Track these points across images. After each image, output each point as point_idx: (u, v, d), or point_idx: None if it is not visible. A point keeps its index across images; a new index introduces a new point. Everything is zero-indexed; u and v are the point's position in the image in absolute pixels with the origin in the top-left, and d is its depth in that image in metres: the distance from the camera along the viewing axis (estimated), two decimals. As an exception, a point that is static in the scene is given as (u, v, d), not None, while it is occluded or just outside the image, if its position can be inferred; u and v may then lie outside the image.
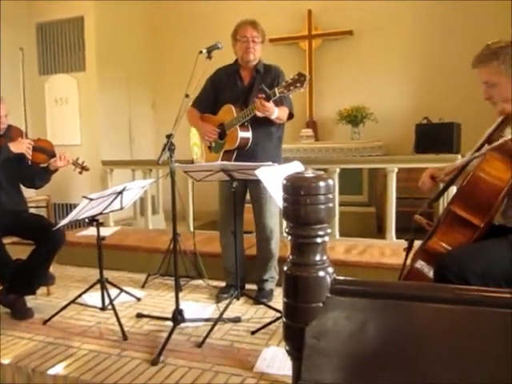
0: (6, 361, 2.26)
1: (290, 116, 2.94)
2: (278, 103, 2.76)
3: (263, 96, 2.64)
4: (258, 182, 2.40)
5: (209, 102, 3.03)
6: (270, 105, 2.66)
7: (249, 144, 2.85)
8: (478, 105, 3.75)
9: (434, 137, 4.62)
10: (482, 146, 1.83)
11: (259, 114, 2.67)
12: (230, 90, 2.95)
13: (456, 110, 4.84)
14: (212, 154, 3.01)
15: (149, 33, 6.36)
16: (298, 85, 2.57)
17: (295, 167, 2.37)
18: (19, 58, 5.53)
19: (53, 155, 3.03)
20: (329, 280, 0.83)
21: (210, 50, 2.65)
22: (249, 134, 2.84)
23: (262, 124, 2.80)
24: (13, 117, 3.12)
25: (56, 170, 3.03)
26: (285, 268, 0.86)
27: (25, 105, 3.13)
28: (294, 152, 5.11)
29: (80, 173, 3.14)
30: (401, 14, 5.33)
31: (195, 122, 3.06)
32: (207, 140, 3.00)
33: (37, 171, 3.04)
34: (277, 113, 2.73)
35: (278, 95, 2.63)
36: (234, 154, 2.88)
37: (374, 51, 5.49)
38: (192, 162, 3.23)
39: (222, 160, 2.85)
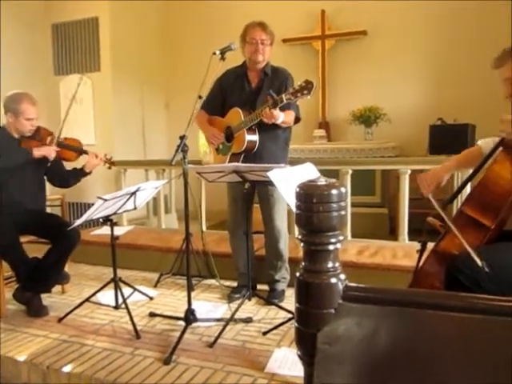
0: (21, 358, 2.30)
1: (297, 120, 2.95)
2: (285, 107, 2.77)
3: (271, 102, 2.64)
4: (265, 183, 2.41)
5: (217, 103, 3.03)
6: (277, 112, 2.67)
7: (256, 147, 2.87)
8: (492, 106, 3.71)
9: (449, 138, 4.58)
10: (496, 148, 1.82)
11: (266, 120, 2.69)
12: (238, 93, 2.96)
13: (470, 110, 4.80)
14: (219, 156, 3.02)
15: (162, 34, 6.40)
16: (306, 92, 2.57)
17: (308, 169, 2.37)
18: (35, 57, 5.64)
19: (81, 152, 3.12)
20: (341, 286, 0.83)
21: (223, 52, 2.65)
22: (256, 137, 2.86)
23: (268, 127, 2.81)
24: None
25: (90, 172, 3.12)
26: (297, 274, 0.87)
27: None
28: (306, 152, 5.11)
29: (109, 168, 3.22)
30: (414, 14, 5.30)
31: (202, 124, 3.07)
32: (212, 144, 3.02)
33: (67, 171, 3.15)
34: (282, 118, 2.75)
35: (285, 101, 2.63)
36: (241, 157, 2.89)
37: (388, 51, 5.47)
38: (199, 162, 3.25)
39: (229, 162, 2.87)
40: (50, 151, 2.93)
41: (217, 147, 3.05)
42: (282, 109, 2.74)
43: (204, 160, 3.30)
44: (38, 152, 2.90)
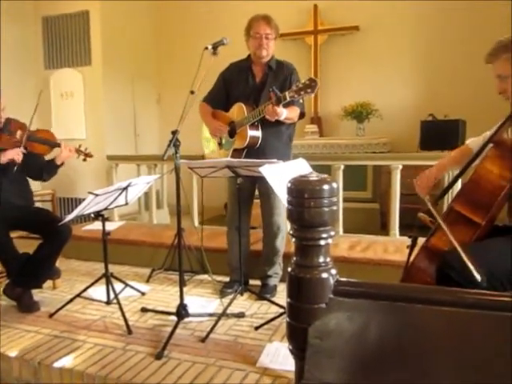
0: (12, 353, 2.29)
1: (302, 115, 2.94)
2: (289, 103, 2.73)
3: (274, 100, 2.62)
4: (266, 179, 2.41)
5: (221, 97, 3.01)
6: (280, 110, 2.65)
7: (258, 143, 2.85)
8: (483, 101, 3.75)
9: (439, 134, 4.61)
10: (486, 144, 1.83)
11: (269, 118, 2.68)
12: (242, 87, 2.94)
13: (461, 106, 4.83)
14: (222, 151, 3.02)
15: (154, 28, 6.36)
16: (309, 90, 2.54)
17: (300, 164, 2.37)
18: (25, 51, 5.58)
19: (54, 145, 3.03)
20: (332, 281, 0.84)
21: (215, 46, 2.63)
22: (258, 133, 2.84)
23: (271, 123, 2.78)
24: (21, 111, 3.13)
25: (62, 164, 3.03)
26: (289, 269, 0.88)
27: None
28: (298, 148, 5.11)
29: (84, 160, 3.11)
30: (407, 10, 5.31)
31: (206, 117, 3.06)
32: (215, 136, 3.00)
33: (43, 164, 3.06)
34: (285, 114, 2.73)
35: (288, 99, 2.60)
36: (244, 152, 2.88)
37: (380, 47, 5.48)
38: (202, 156, 3.23)
39: (231, 158, 2.86)
40: (16, 154, 2.80)
41: (219, 142, 3.03)
42: (286, 105, 2.71)
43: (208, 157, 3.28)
44: (4, 158, 2.82)
